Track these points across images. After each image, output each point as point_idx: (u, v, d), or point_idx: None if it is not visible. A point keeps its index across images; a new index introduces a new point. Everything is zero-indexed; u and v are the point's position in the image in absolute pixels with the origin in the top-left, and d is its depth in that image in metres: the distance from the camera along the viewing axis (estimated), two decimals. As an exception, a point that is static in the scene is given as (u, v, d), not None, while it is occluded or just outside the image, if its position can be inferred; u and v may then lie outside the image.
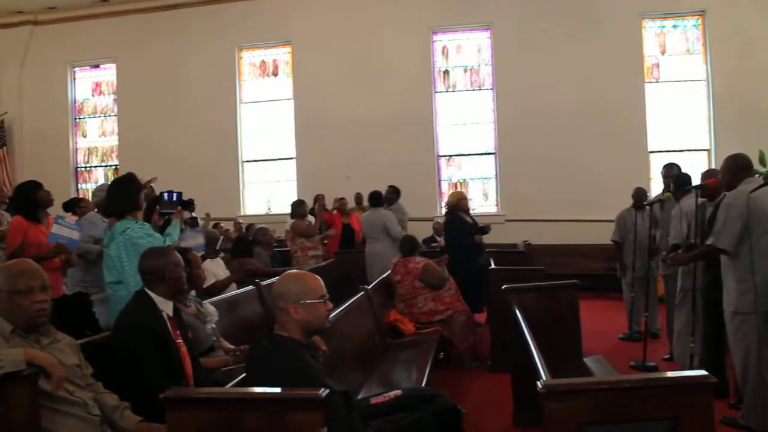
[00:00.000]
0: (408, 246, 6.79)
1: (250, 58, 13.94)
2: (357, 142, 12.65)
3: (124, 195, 4.23)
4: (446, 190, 12.83)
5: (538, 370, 2.78)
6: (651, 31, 12.24)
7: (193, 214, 9.56)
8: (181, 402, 2.26)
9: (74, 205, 6.88)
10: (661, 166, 7.31)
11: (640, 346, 6.04)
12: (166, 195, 4.50)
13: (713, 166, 10.32)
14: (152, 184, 5.53)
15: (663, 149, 11.93)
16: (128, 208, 4.18)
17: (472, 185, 12.74)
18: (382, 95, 12.65)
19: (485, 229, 8.00)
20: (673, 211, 5.79)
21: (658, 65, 12.22)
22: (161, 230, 4.41)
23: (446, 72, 13.04)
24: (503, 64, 12.52)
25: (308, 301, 2.72)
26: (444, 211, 8.67)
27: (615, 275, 7.85)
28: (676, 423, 2.18)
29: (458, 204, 7.89)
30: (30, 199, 5.04)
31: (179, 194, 4.64)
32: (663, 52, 12.22)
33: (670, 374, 2.44)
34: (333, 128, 12.83)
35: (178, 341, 3.24)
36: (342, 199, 10.14)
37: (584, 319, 4.90)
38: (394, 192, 8.82)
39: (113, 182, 4.46)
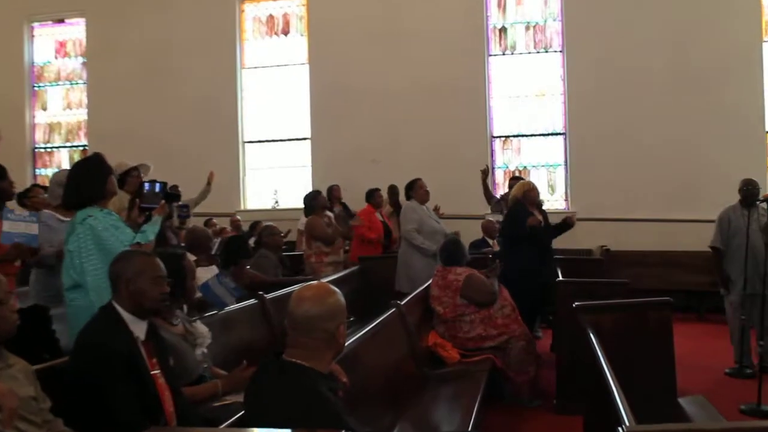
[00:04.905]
0: (448, 252, 6.75)
1: (254, 12, 14.01)
2: (388, 118, 12.65)
3: (89, 180, 4.29)
4: (501, 181, 12.77)
5: (619, 413, 2.75)
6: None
7: (183, 201, 9.67)
8: (162, 445, 2.27)
9: (22, 197, 6.80)
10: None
11: (753, 384, 5.94)
12: (147, 186, 4.53)
13: None
14: (142, 174, 5.54)
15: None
16: (94, 195, 4.24)
17: (534, 174, 12.63)
18: (420, 60, 12.62)
19: (568, 224, 7.85)
20: None
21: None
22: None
23: (503, 30, 12.96)
24: (576, 20, 12.40)
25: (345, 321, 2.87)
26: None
27: (719, 292, 7.75)
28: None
29: (525, 197, 7.84)
30: None
31: (163, 185, 4.68)
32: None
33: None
34: (358, 101, 12.85)
35: (153, 372, 3.26)
36: (377, 190, 10.23)
37: (680, 347, 4.84)
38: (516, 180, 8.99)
39: (75, 165, 4.54)
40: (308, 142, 13.62)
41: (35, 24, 15.04)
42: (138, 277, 3.32)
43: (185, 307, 4.36)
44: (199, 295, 5.49)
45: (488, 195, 9.76)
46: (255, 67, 13.99)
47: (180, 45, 13.68)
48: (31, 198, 6.67)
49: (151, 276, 3.38)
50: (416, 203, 8.53)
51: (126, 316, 3.28)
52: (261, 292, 5.98)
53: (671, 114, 11.71)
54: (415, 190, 8.58)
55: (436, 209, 9.00)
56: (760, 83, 11.76)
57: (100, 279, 3.66)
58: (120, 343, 3.17)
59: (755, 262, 6.75)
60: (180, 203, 9.17)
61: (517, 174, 12.56)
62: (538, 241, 7.52)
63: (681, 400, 4.62)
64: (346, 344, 3.23)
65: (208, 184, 10.02)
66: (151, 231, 4.44)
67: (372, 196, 10.10)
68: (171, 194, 5.00)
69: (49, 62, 15.11)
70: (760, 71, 11.77)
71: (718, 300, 8.64)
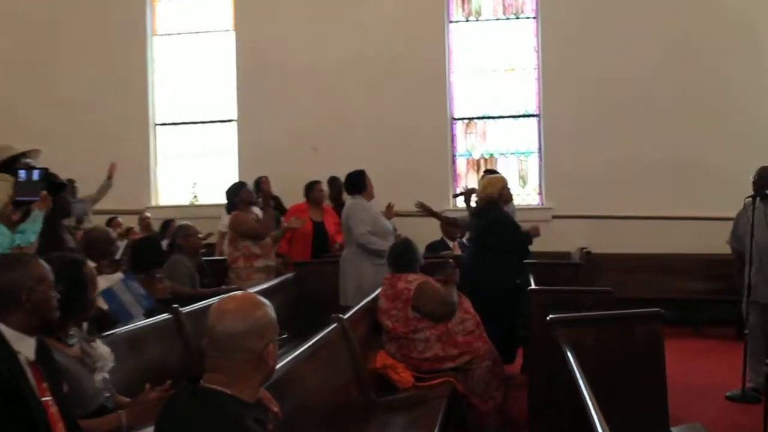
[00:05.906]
0: (396, 255, 6.75)
1: (167, -32, 13.94)
2: (330, 97, 12.65)
3: None
4: (464, 171, 12.82)
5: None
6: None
7: (79, 197, 9.53)
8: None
9: None
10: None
11: (758, 410, 6.01)
12: (22, 173, 4.44)
13: None
14: (32, 161, 5.42)
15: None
16: None
17: (503, 163, 12.72)
18: (367, 27, 12.65)
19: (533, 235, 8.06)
20: None
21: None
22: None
23: (466, -8, 13.04)
24: (552, -19, 12.51)
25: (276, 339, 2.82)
26: (469, 203, 8.68)
27: (720, 301, 7.84)
28: None
29: (501, 195, 7.89)
30: None
31: (43, 171, 4.59)
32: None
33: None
34: (293, 76, 12.82)
35: (44, 399, 3.19)
36: (317, 183, 10.17)
37: (673, 367, 4.89)
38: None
39: None
40: (234, 124, 13.57)
41: None
42: (40, 285, 3.29)
43: (84, 324, 4.28)
44: (105, 306, 5.43)
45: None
46: (169, 34, 13.90)
47: (74, 5, 13.49)
48: None
49: (49, 283, 3.35)
50: (364, 200, 8.45)
51: (9, 333, 3.19)
52: (176, 305, 5.92)
53: (664, 93, 11.80)
54: (366, 184, 8.45)
55: (389, 208, 8.93)
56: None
57: None
58: (0, 364, 3.10)
59: (760, 264, 6.81)
60: (75, 200, 9.05)
61: (482, 162, 12.65)
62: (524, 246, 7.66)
63: (674, 429, 4.67)
64: (278, 367, 3.21)
65: (109, 178, 9.88)
66: (31, 230, 4.37)
67: (311, 189, 10.00)
68: (55, 183, 4.88)
69: None
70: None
71: (716, 311, 8.76)
